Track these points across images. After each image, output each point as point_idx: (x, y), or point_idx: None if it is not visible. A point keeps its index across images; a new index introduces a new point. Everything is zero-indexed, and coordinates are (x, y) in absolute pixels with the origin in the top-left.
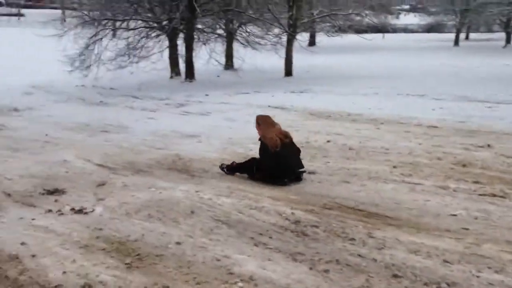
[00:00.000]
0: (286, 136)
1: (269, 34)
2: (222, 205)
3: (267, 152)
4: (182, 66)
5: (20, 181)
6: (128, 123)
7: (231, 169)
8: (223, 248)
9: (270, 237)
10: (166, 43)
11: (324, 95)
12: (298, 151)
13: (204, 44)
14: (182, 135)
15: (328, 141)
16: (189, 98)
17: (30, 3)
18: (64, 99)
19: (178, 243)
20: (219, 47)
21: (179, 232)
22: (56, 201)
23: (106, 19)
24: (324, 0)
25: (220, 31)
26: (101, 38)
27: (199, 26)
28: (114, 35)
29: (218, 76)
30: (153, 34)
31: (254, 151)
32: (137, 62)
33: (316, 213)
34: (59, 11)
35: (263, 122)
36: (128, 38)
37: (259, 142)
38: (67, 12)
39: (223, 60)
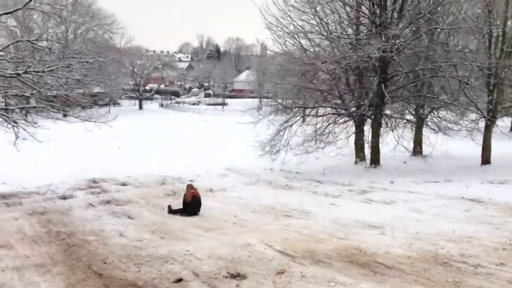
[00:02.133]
0: (195, 195)
1: (464, 119)
2: None
3: (185, 202)
4: (367, 151)
5: (207, 262)
6: (311, 208)
7: (172, 212)
8: None
9: None
10: (353, 129)
11: None
12: (199, 200)
13: (392, 130)
14: (364, 225)
15: None
16: (373, 184)
17: (232, 93)
18: (253, 182)
19: None
20: (407, 133)
21: None
22: (237, 286)
23: (297, 106)
24: None
25: (409, 117)
26: (291, 125)
27: (387, 112)
28: (303, 122)
29: (404, 162)
30: (341, 120)
31: (445, 249)
32: (323, 147)
33: None
34: (256, 100)
35: (187, 188)
36: (316, 124)
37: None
38: (263, 101)
39: (410, 146)
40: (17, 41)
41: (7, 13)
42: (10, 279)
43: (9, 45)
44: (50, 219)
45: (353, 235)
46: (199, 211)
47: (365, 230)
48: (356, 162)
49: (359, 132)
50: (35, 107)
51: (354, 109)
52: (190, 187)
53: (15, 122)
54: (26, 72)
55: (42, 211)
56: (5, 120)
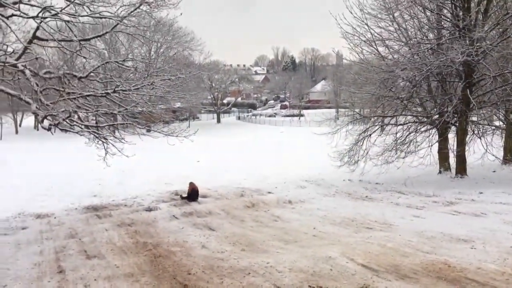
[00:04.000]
0: (194, 188)
1: None
2: None
3: (188, 193)
4: (452, 161)
5: (289, 275)
6: (393, 220)
7: (183, 198)
8: None
9: None
10: (436, 137)
11: None
12: (197, 192)
13: (479, 137)
14: (452, 238)
15: None
16: (460, 196)
17: (309, 104)
18: (332, 193)
19: None
20: (497, 140)
21: None
22: None
23: (376, 116)
24: None
25: (498, 123)
26: (370, 134)
27: (474, 118)
28: (382, 131)
29: (494, 171)
30: (423, 129)
31: None
32: (404, 157)
33: None
34: (333, 110)
35: (189, 185)
36: (396, 133)
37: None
38: (341, 111)
39: (500, 154)
40: (106, 62)
41: (97, 37)
42: None
43: (99, 66)
44: (137, 230)
45: (440, 249)
46: (197, 198)
47: (453, 244)
48: (440, 172)
49: (443, 141)
50: (122, 124)
51: (436, 116)
52: (191, 184)
53: (105, 138)
54: (114, 91)
55: (130, 223)
56: (96, 137)
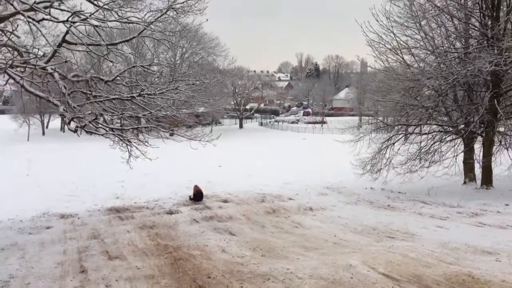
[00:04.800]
0: (198, 190)
1: None
2: None
3: (194, 194)
4: (477, 171)
5: (309, 282)
6: (416, 230)
7: (191, 199)
8: None
9: None
10: (461, 147)
11: None
12: (202, 193)
13: (507, 148)
14: (477, 250)
15: None
16: (485, 207)
17: (332, 111)
18: (353, 201)
19: None
20: None
21: None
22: None
23: (400, 124)
24: None
25: None
26: (394, 143)
27: (501, 129)
28: (406, 140)
29: None
30: (448, 138)
31: None
32: (428, 167)
33: None
34: (356, 118)
35: (194, 187)
36: (420, 142)
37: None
38: (364, 119)
39: None
40: (132, 67)
41: (125, 41)
42: None
43: (125, 70)
44: (158, 233)
45: (464, 261)
46: (202, 199)
47: (478, 255)
48: (465, 183)
49: (469, 151)
50: (146, 127)
51: (462, 126)
52: (195, 186)
53: (129, 141)
54: (140, 95)
55: (151, 225)
56: (121, 140)
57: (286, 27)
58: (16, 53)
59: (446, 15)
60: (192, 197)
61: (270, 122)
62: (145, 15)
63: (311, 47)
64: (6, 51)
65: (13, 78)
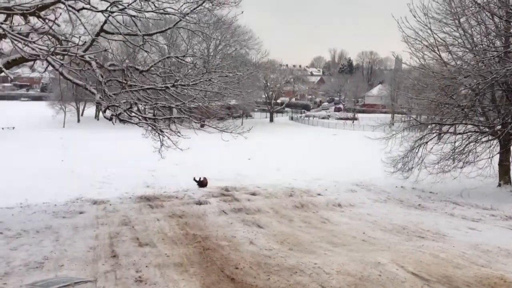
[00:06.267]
0: (203, 181)
1: None
2: None
3: (200, 183)
4: None
5: (336, 277)
6: (447, 231)
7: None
8: None
9: None
10: (497, 148)
11: None
12: (206, 183)
13: None
14: (509, 253)
15: None
16: None
17: (364, 108)
18: (383, 199)
19: None
20: None
21: None
22: None
23: (434, 123)
24: None
25: None
26: (426, 142)
27: None
28: (439, 139)
29: None
30: (483, 139)
31: None
32: (461, 167)
33: None
34: (388, 115)
35: (204, 179)
36: (454, 142)
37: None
38: (396, 116)
39: None
40: (167, 57)
41: (161, 32)
42: (153, 275)
43: (160, 61)
44: (187, 222)
45: (496, 264)
46: (205, 186)
47: (510, 259)
48: (499, 185)
49: (505, 152)
50: (178, 118)
51: (499, 127)
52: (205, 179)
53: (161, 131)
54: (173, 86)
55: (181, 214)
56: (153, 129)
57: (320, 21)
58: (56, 41)
59: (486, 13)
60: (197, 180)
61: (300, 116)
62: (181, 6)
63: (345, 42)
64: (46, 39)
65: (53, 66)
